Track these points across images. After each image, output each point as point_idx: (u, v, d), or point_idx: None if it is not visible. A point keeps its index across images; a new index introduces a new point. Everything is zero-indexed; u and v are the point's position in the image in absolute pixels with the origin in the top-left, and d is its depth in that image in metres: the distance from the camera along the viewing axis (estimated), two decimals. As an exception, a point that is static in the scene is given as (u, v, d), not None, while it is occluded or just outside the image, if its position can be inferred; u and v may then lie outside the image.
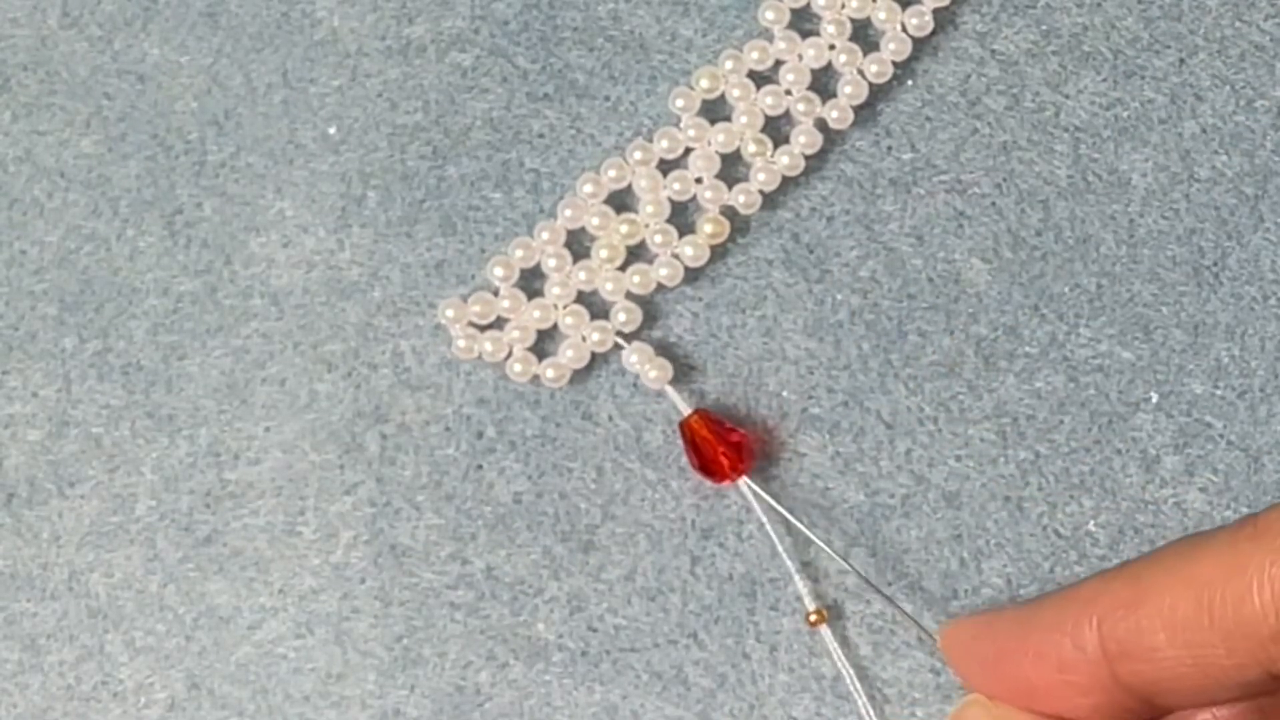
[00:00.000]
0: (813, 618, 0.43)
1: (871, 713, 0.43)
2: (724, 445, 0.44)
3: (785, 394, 0.45)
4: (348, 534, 0.45)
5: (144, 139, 0.46)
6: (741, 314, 0.45)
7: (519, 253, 0.45)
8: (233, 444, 0.45)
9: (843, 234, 0.45)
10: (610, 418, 0.45)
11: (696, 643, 0.44)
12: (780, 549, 0.43)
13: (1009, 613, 0.39)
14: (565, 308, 0.45)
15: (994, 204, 0.45)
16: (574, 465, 0.45)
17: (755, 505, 0.44)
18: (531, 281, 0.45)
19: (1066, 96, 0.45)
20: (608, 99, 0.46)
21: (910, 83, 0.45)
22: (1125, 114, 0.45)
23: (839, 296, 0.45)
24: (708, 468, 0.44)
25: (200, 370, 0.45)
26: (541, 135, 0.45)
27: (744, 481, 0.44)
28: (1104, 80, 0.45)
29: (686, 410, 0.44)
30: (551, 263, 0.45)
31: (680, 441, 0.44)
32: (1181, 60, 0.45)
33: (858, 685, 0.43)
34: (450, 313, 0.45)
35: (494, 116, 0.46)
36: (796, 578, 0.44)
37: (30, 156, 0.46)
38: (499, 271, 0.45)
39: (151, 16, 0.46)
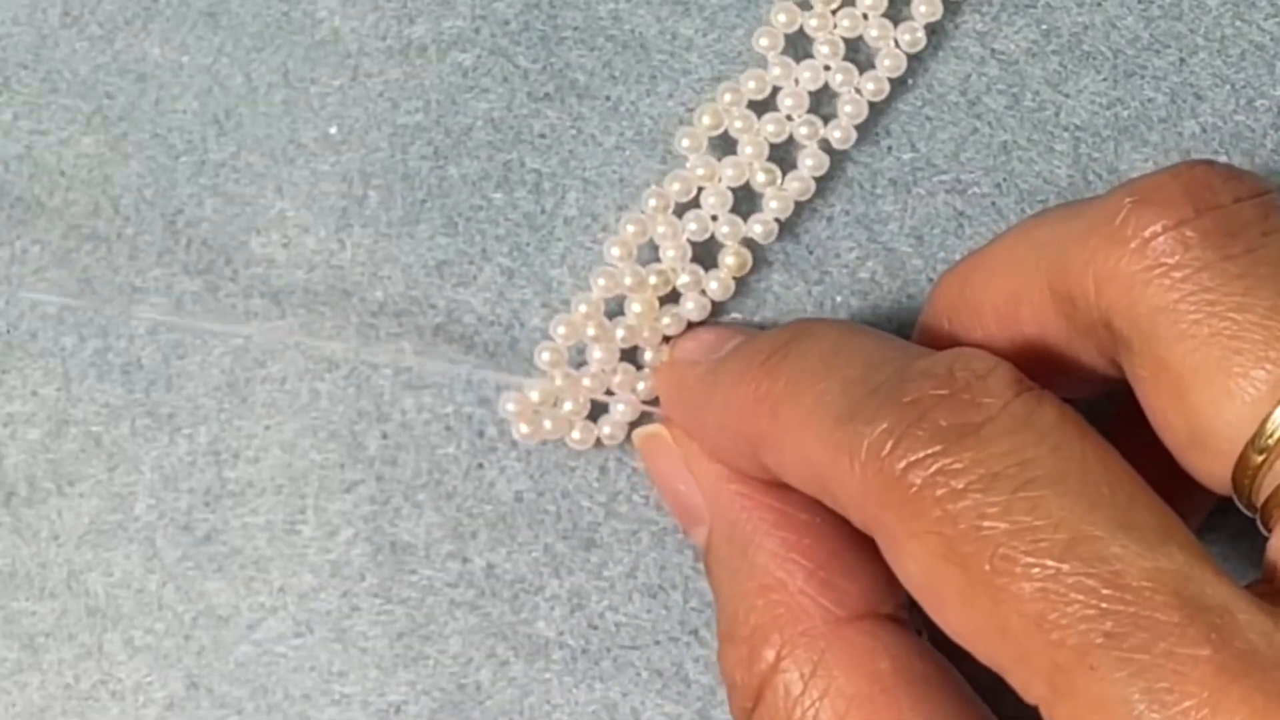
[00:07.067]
0: None
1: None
2: None
3: (786, 393, 0.45)
4: (348, 532, 0.44)
5: (145, 138, 0.46)
6: (741, 315, 0.45)
7: (562, 330, 0.44)
8: (233, 443, 0.45)
9: (842, 234, 0.45)
10: (611, 416, 0.45)
11: (698, 640, 0.44)
12: None
13: (706, 363, 0.42)
14: (612, 371, 0.44)
15: (994, 204, 0.45)
16: (575, 464, 0.45)
17: None
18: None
19: (1066, 96, 0.45)
20: (608, 99, 0.46)
21: (910, 82, 0.45)
22: (1125, 113, 0.45)
23: (839, 297, 0.45)
24: None
25: (200, 369, 0.45)
26: (542, 135, 0.45)
27: None
28: (1104, 80, 0.45)
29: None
30: (590, 331, 0.44)
31: None
32: (1181, 60, 0.45)
33: None
34: (511, 406, 0.44)
35: (495, 116, 0.46)
36: None
37: (31, 155, 0.46)
38: (546, 356, 0.44)
39: (152, 16, 0.46)
